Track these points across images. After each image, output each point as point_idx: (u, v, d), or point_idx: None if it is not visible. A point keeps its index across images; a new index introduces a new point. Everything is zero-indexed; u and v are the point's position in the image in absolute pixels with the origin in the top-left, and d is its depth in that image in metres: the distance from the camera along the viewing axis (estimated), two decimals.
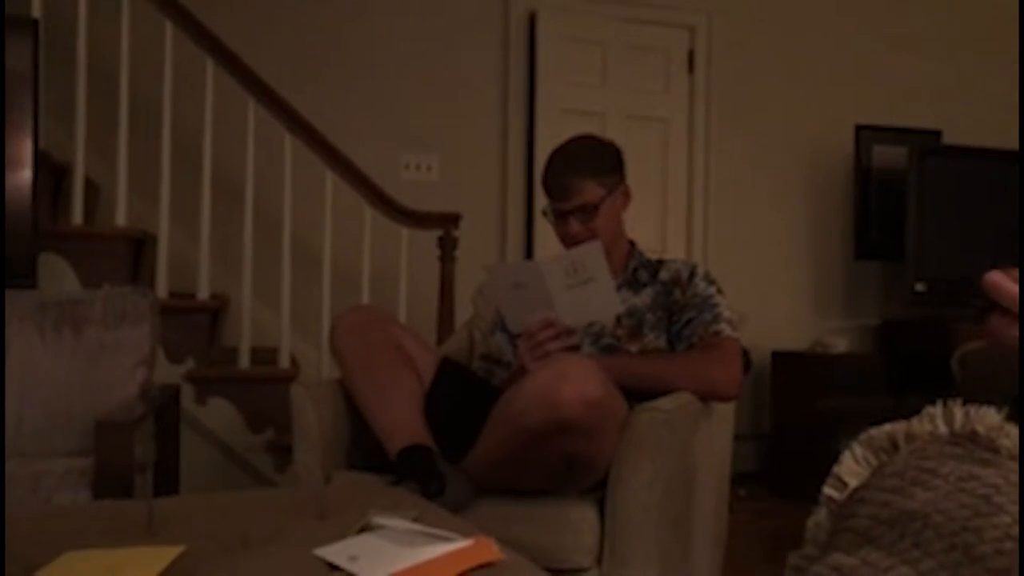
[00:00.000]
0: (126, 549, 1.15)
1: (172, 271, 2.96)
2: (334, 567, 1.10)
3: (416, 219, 3.14)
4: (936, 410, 0.60)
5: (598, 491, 1.67)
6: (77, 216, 2.89)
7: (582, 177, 1.94)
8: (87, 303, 2.14)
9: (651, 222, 4.09)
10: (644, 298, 1.99)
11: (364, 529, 1.26)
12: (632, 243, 2.10)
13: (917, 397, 0.63)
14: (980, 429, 0.55)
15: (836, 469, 0.61)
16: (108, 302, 2.16)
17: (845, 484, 0.60)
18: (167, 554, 1.13)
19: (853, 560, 0.46)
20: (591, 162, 1.97)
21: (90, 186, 3.11)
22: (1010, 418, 0.57)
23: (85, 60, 2.89)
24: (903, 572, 0.43)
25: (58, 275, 2.77)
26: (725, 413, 2.03)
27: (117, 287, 2.26)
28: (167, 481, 2.24)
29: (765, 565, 2.77)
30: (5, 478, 0.97)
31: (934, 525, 0.46)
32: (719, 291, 1.98)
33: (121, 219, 2.91)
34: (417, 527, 1.23)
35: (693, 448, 1.81)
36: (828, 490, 0.61)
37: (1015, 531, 0.43)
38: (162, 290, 2.88)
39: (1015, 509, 0.45)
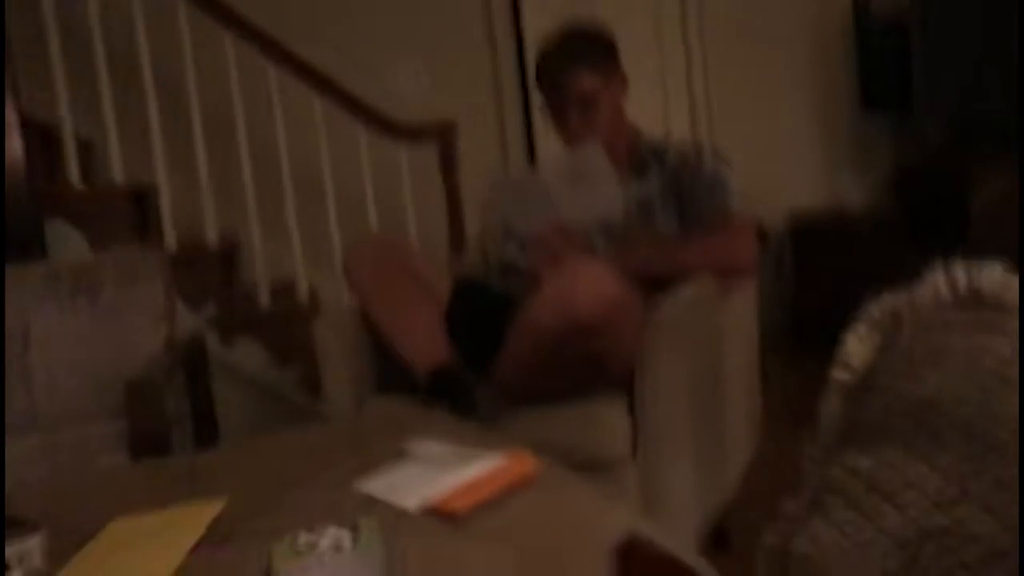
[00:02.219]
0: (170, 510, 1.17)
1: (178, 220, 2.94)
2: (375, 499, 1.12)
3: (411, 133, 3.08)
4: (937, 275, 0.57)
5: (626, 386, 1.68)
6: (74, 177, 2.86)
7: (577, 68, 1.88)
8: (97, 268, 2.14)
9: (652, 101, 4.00)
10: (653, 186, 1.95)
11: (400, 457, 1.27)
12: (636, 130, 2.05)
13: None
14: (984, 287, 0.53)
15: (840, 352, 0.60)
16: (118, 263, 2.16)
17: (852, 367, 0.58)
18: (210, 510, 1.15)
19: (869, 461, 0.45)
20: (585, 51, 1.90)
21: (81, 145, 3.07)
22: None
23: (54, 14, 2.81)
24: (920, 471, 0.42)
25: (65, 240, 2.76)
26: (746, 289, 2.01)
27: (125, 246, 2.25)
28: (206, 429, 2.27)
29: (799, 422, 2.79)
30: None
31: (948, 412, 0.44)
32: (728, 168, 1.94)
33: (118, 175, 2.88)
34: (452, 448, 1.24)
35: (718, 329, 1.80)
36: (837, 374, 0.59)
37: None
38: (171, 240, 2.87)
39: None
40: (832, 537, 0.43)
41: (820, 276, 3.87)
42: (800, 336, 4.10)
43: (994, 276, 0.53)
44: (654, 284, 1.71)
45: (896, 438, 0.45)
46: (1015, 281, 0.52)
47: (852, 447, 0.48)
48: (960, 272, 0.54)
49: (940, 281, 0.54)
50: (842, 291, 3.63)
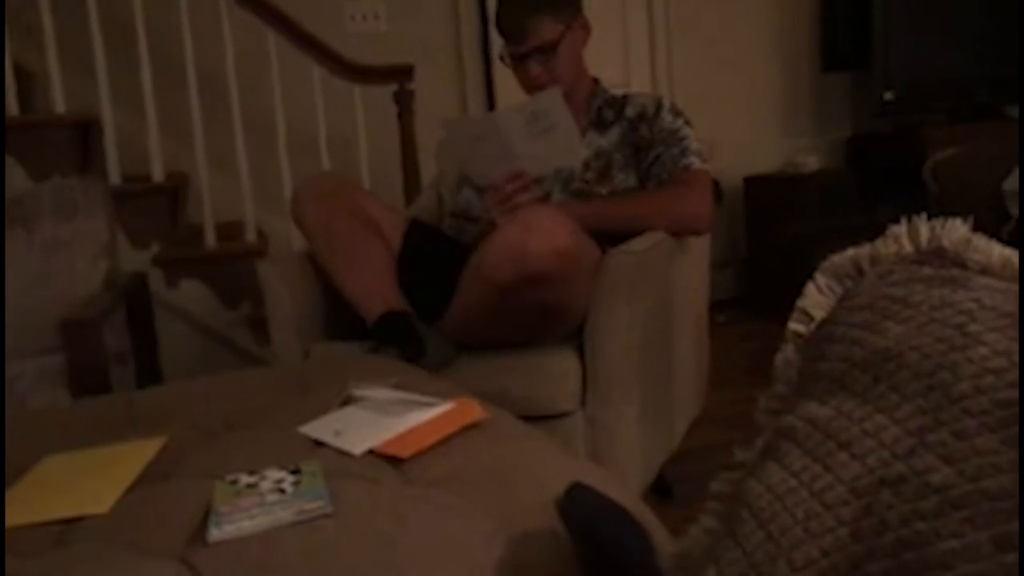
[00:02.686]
0: (108, 447, 1.14)
1: (122, 154, 2.84)
2: (319, 443, 1.10)
3: (367, 74, 3.01)
4: (900, 228, 0.57)
5: (577, 337, 1.67)
6: (12, 107, 2.74)
7: (538, 15, 1.84)
8: (35, 198, 2.06)
9: (613, 53, 3.96)
10: (611, 138, 1.94)
11: (346, 402, 1.25)
12: (596, 80, 2.03)
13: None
14: (947, 244, 0.53)
15: (800, 302, 0.59)
16: (58, 195, 2.08)
17: (811, 317, 0.58)
18: (150, 447, 1.13)
19: (827, 410, 0.45)
20: None
21: (21, 73, 2.94)
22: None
23: None
24: (879, 422, 0.41)
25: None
26: (700, 244, 2.02)
27: (65, 178, 2.17)
28: (148, 370, 2.23)
29: (749, 379, 2.84)
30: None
31: (909, 364, 0.44)
32: (687, 123, 1.92)
33: (60, 105, 2.77)
34: (399, 395, 1.22)
35: (670, 284, 1.80)
36: (794, 325, 0.58)
37: (993, 363, 0.41)
38: (115, 175, 2.78)
39: (992, 337, 0.43)
40: (786, 483, 0.42)
41: (772, 237, 3.90)
42: (750, 296, 4.16)
43: (958, 233, 0.52)
44: (608, 236, 1.71)
45: (855, 388, 0.44)
46: (979, 240, 0.51)
47: (809, 398, 0.47)
48: (924, 227, 0.53)
49: (903, 235, 0.54)
50: (793, 252, 3.68)
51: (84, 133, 2.92)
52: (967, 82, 3.97)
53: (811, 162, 3.96)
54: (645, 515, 0.93)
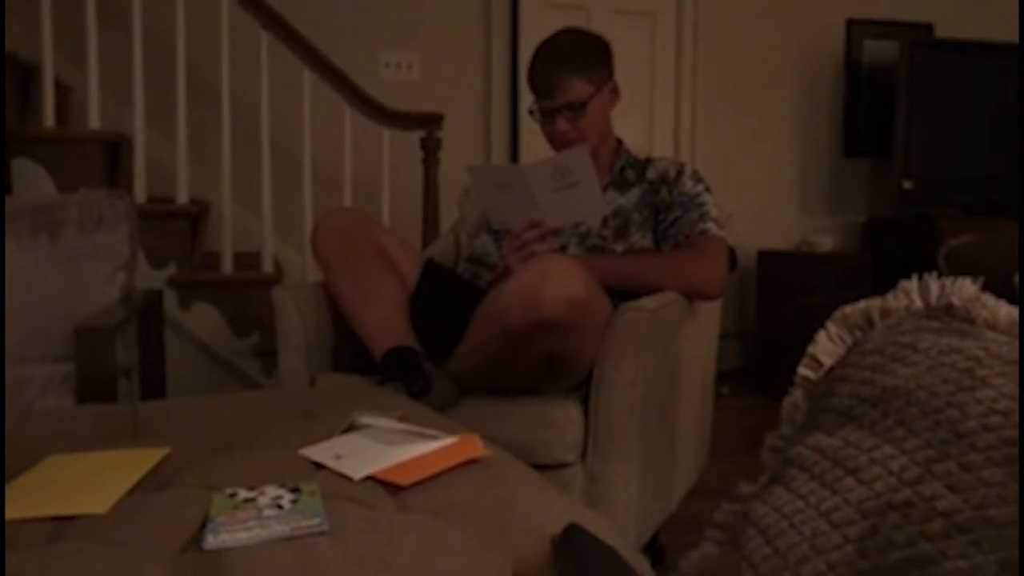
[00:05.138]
0: (110, 452, 1.15)
1: (150, 176, 2.90)
2: (319, 466, 1.10)
3: (397, 119, 3.07)
4: (911, 284, 0.58)
5: (582, 389, 1.68)
6: (49, 119, 2.81)
7: (569, 73, 1.88)
8: (62, 207, 2.10)
9: (638, 119, 4.03)
10: (631, 197, 1.96)
11: (349, 429, 1.26)
12: (620, 141, 2.07)
13: None
14: (956, 301, 0.54)
15: (811, 349, 0.60)
16: (84, 206, 2.11)
17: (821, 363, 0.59)
18: (152, 456, 1.13)
19: (835, 440, 0.45)
20: (578, 57, 1.91)
21: (60, 88, 3.01)
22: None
23: None
24: (887, 451, 0.42)
25: (32, 181, 2.71)
26: (710, 312, 2.03)
27: (93, 191, 2.21)
28: (153, 387, 2.24)
29: (748, 456, 2.82)
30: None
31: (917, 402, 0.44)
32: (707, 189, 1.95)
33: (94, 122, 2.83)
34: (402, 426, 1.23)
35: (677, 347, 1.81)
36: (803, 370, 0.59)
37: (1000, 405, 0.42)
38: (140, 194, 2.83)
39: (999, 382, 0.44)
40: (793, 503, 0.43)
41: (782, 313, 3.91)
42: (755, 370, 4.15)
43: (966, 291, 0.54)
44: (620, 294, 1.72)
45: (863, 422, 0.45)
46: (987, 298, 0.52)
47: (817, 430, 0.48)
48: (934, 284, 0.55)
49: (913, 290, 0.55)
50: (802, 330, 3.68)
51: (115, 150, 2.98)
52: (984, 178, 4.01)
53: (826, 242, 3.99)
54: (641, 565, 0.93)
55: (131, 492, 1.00)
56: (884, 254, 4.04)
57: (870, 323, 0.55)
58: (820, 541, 0.40)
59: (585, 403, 1.66)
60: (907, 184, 3.92)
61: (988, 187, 4.01)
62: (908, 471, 0.40)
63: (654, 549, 1.95)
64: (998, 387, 0.42)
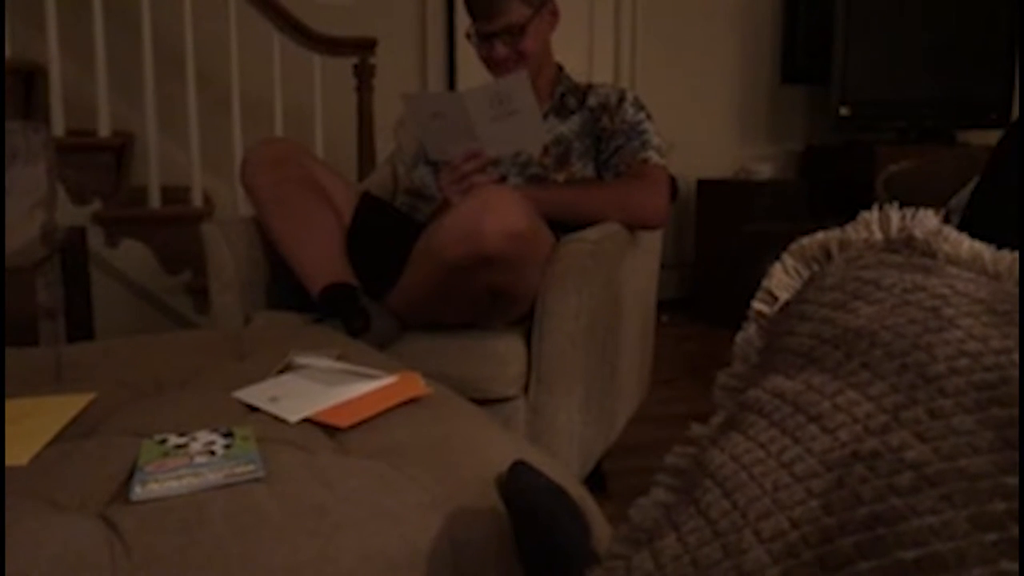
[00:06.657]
0: (31, 399, 1.09)
1: (68, 107, 2.75)
2: (254, 409, 1.06)
3: (328, 45, 2.95)
4: (871, 215, 0.56)
5: (525, 322, 1.66)
6: None
7: None
8: None
9: (578, 45, 3.96)
10: (572, 125, 1.92)
11: (285, 369, 1.22)
12: (560, 67, 2.02)
13: (840, 221, 0.59)
14: (917, 233, 0.52)
15: (766, 282, 0.58)
16: None
17: (776, 297, 0.57)
18: (76, 402, 1.08)
19: (796, 384, 0.44)
20: None
21: None
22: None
23: None
24: (851, 397, 0.40)
25: None
26: (651, 242, 2.02)
27: (7, 123, 2.08)
28: (80, 328, 2.15)
29: (688, 382, 2.87)
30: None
31: (882, 343, 0.43)
32: (648, 117, 1.92)
33: (7, 50, 2.66)
34: (340, 365, 1.20)
35: (620, 276, 1.80)
36: (758, 304, 0.57)
37: (969, 347, 0.41)
38: (58, 127, 2.68)
39: (967, 322, 0.42)
40: (752, 453, 0.41)
41: (721, 241, 3.94)
42: (694, 298, 4.19)
43: (929, 223, 0.52)
44: (562, 224, 1.69)
45: (825, 364, 0.43)
46: (950, 232, 0.51)
47: (775, 372, 0.46)
48: (895, 215, 0.53)
49: (873, 221, 0.53)
50: (741, 258, 3.72)
51: (29, 79, 2.82)
52: (918, 103, 4.05)
53: (764, 170, 4.00)
54: (585, 500, 0.92)
55: (54, 441, 0.95)
56: (821, 181, 4.07)
57: (828, 256, 0.53)
58: (782, 495, 0.38)
59: (528, 336, 1.64)
60: (844, 111, 3.94)
61: (922, 113, 4.05)
62: (874, 419, 0.38)
63: (597, 476, 1.97)
64: (966, 328, 0.40)
